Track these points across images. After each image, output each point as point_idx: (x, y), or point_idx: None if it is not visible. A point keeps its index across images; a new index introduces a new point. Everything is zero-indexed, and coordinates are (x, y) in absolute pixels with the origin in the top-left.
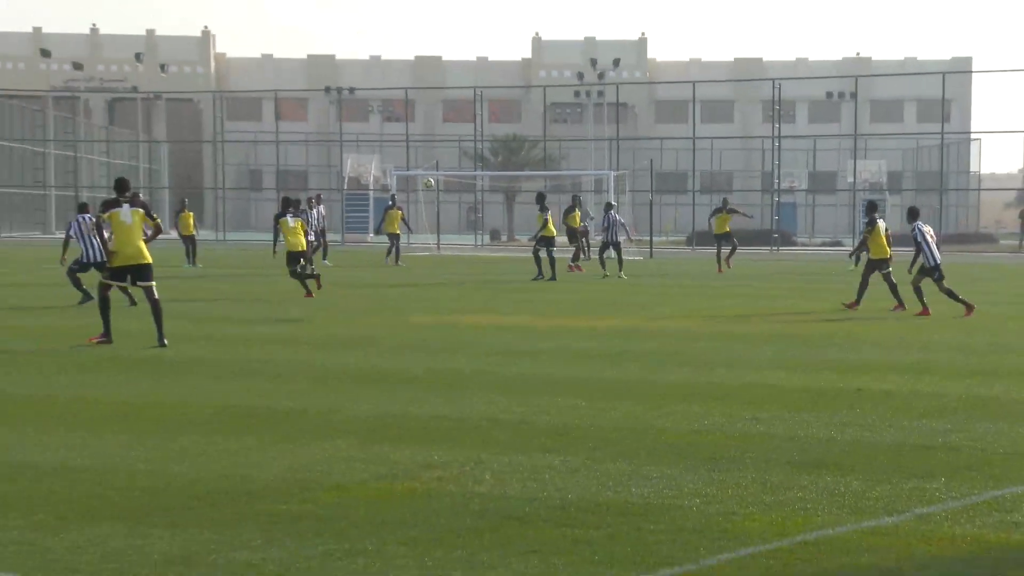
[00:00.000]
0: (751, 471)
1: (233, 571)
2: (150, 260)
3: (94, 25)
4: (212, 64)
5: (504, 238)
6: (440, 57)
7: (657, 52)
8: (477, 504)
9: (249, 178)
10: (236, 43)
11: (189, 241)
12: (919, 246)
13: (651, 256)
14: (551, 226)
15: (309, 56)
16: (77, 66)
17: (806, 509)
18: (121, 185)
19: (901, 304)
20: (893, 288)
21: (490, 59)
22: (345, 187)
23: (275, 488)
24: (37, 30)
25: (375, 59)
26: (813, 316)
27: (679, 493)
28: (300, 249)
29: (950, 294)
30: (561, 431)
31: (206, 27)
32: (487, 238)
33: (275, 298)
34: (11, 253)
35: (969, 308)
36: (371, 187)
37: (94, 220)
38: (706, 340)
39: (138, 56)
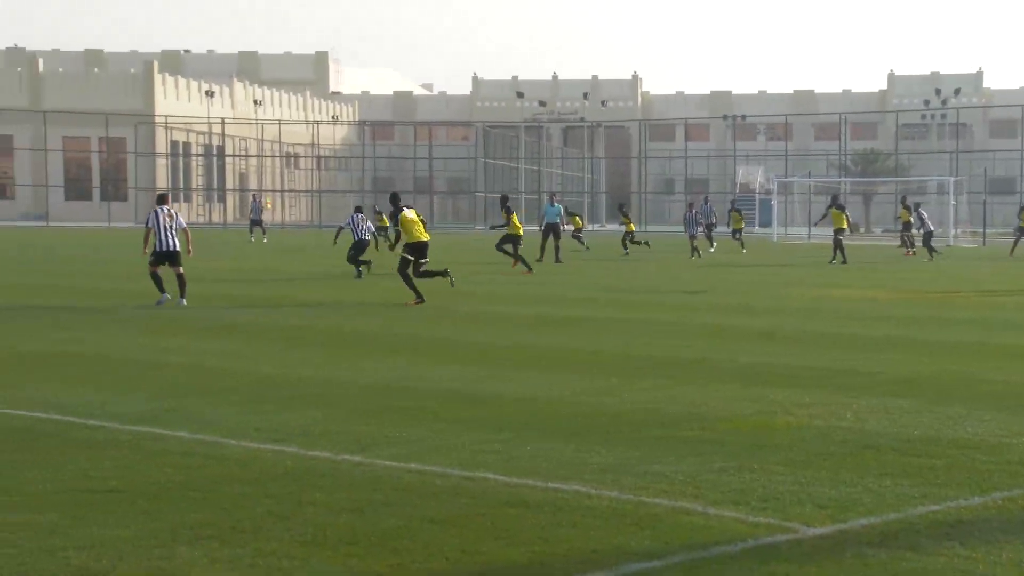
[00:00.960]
0: None
1: (652, 479)
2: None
3: (555, 74)
4: (639, 99)
5: (862, 230)
6: (813, 90)
7: (992, 81)
8: (839, 435)
9: (664, 184)
10: (657, 83)
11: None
12: None
13: (983, 244)
14: (516, 223)
15: (712, 92)
16: (542, 103)
17: None
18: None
19: None
20: None
21: (853, 91)
22: (737, 191)
23: (681, 418)
24: (514, 78)
25: (762, 92)
26: None
27: (1007, 432)
28: (425, 240)
29: None
30: (908, 381)
31: (635, 72)
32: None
33: (689, 274)
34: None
35: None
36: (756, 191)
37: (172, 212)
38: None
39: (585, 95)
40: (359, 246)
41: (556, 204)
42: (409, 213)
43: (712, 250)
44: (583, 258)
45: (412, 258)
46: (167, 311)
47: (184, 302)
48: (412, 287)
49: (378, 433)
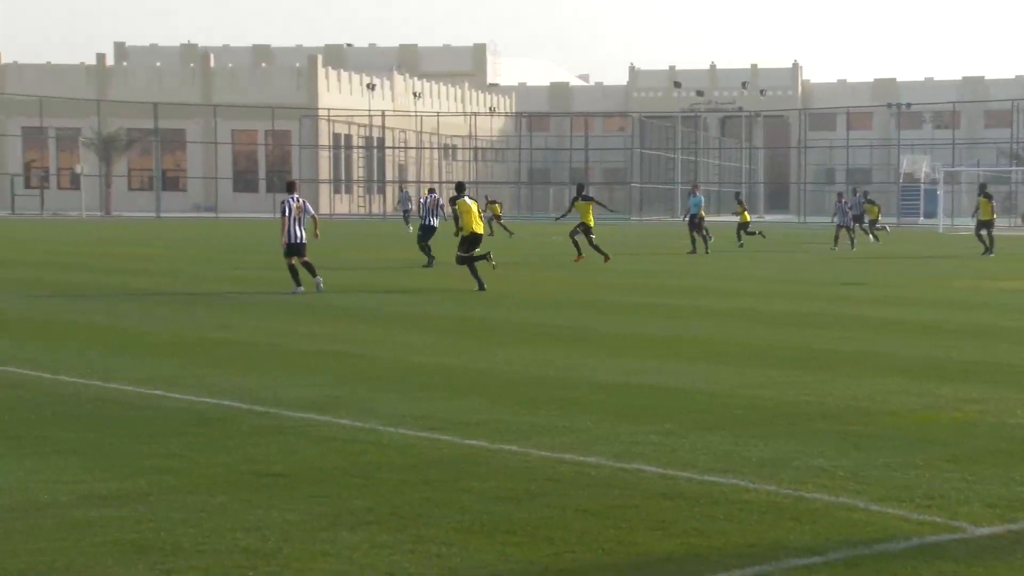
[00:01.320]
0: None
1: (812, 474)
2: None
3: (712, 63)
4: (799, 88)
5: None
6: (983, 76)
7: None
8: (1010, 432)
9: (824, 175)
10: (818, 71)
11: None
12: None
13: None
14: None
15: (875, 79)
16: (699, 93)
17: None
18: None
19: None
20: None
21: None
22: (901, 181)
23: (842, 412)
24: (671, 67)
25: (929, 79)
26: None
27: None
28: (480, 232)
29: None
30: None
31: (795, 60)
32: (1019, 220)
33: (842, 265)
34: (652, 232)
35: None
36: (921, 181)
37: (301, 201)
38: None
39: (744, 84)
40: (427, 231)
41: (698, 195)
42: (469, 203)
43: (855, 244)
44: (727, 249)
45: (464, 252)
46: (320, 298)
47: (321, 284)
48: (475, 275)
49: (534, 423)
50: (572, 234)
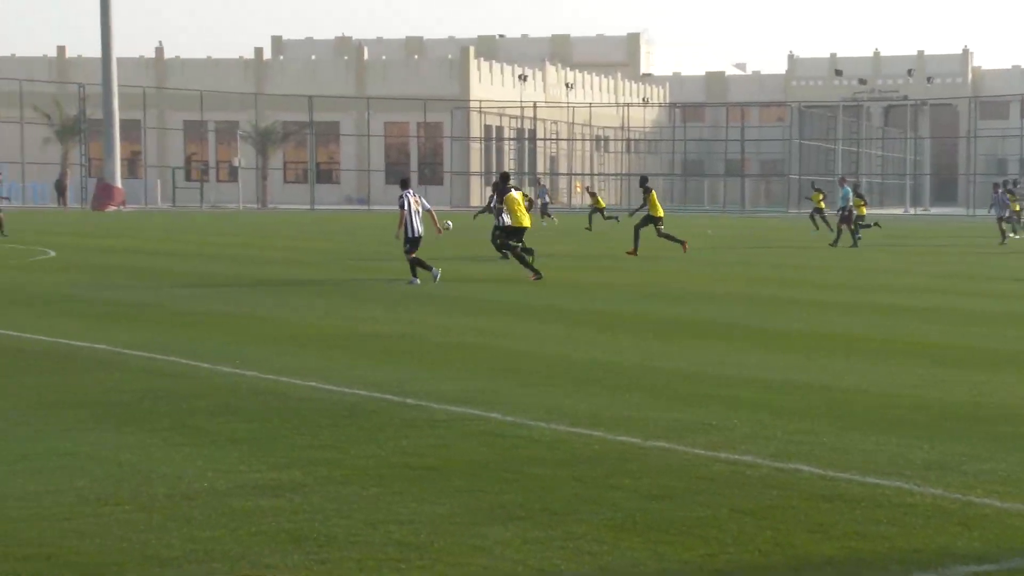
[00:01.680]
0: None
1: (982, 478)
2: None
3: (876, 50)
4: (969, 75)
5: None
6: None
7: None
8: None
9: (996, 165)
10: (990, 57)
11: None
12: None
13: None
14: (656, 204)
15: None
16: (862, 82)
17: None
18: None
19: None
20: None
21: None
22: None
23: (1013, 415)
24: (832, 55)
25: None
26: None
27: None
28: (526, 225)
29: None
30: None
31: (966, 46)
32: None
33: (1009, 260)
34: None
35: None
36: None
37: (417, 196)
38: None
39: (909, 72)
40: (509, 231)
41: (846, 187)
42: (516, 195)
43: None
44: (882, 243)
45: (513, 242)
46: (468, 291)
47: (438, 274)
48: (525, 264)
49: (689, 419)
50: (637, 227)
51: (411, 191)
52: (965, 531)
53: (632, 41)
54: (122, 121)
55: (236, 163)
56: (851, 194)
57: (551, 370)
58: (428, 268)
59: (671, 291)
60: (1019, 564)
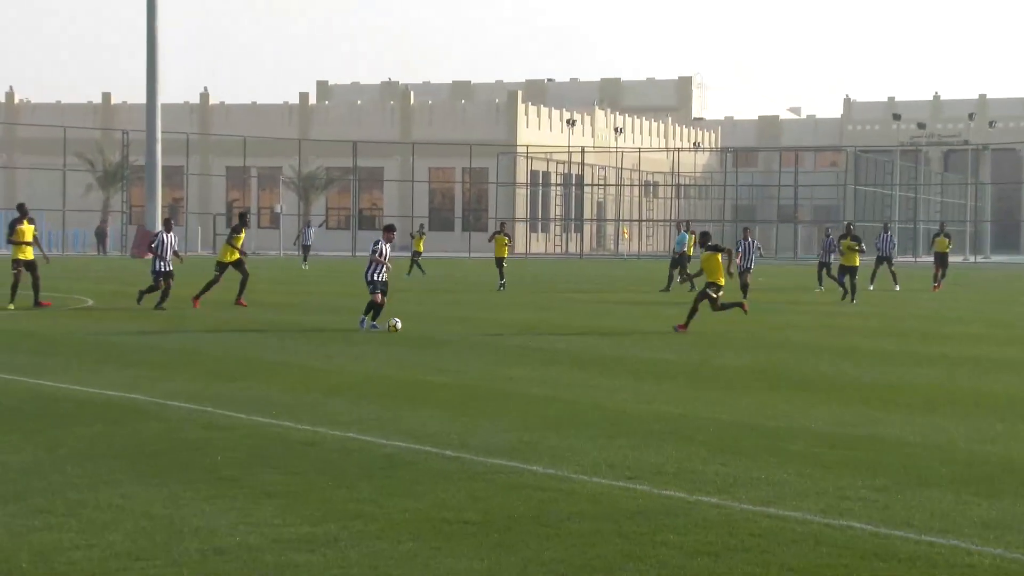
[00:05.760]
0: None
1: None
2: None
3: (936, 93)
4: None
5: None
6: None
7: None
8: None
9: None
10: None
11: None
12: None
13: None
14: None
15: None
16: (920, 126)
17: None
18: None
19: None
20: None
21: None
22: None
23: None
24: (890, 99)
25: None
26: None
27: None
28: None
29: None
30: None
31: None
32: None
33: None
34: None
35: None
36: None
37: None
38: None
39: (971, 115)
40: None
41: (683, 232)
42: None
43: None
44: (926, 288)
45: (715, 295)
46: (518, 340)
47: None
48: (691, 315)
49: (736, 474)
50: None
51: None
52: None
53: (683, 85)
54: (164, 167)
55: (278, 209)
56: (687, 239)
57: (595, 421)
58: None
59: (735, 339)
60: None
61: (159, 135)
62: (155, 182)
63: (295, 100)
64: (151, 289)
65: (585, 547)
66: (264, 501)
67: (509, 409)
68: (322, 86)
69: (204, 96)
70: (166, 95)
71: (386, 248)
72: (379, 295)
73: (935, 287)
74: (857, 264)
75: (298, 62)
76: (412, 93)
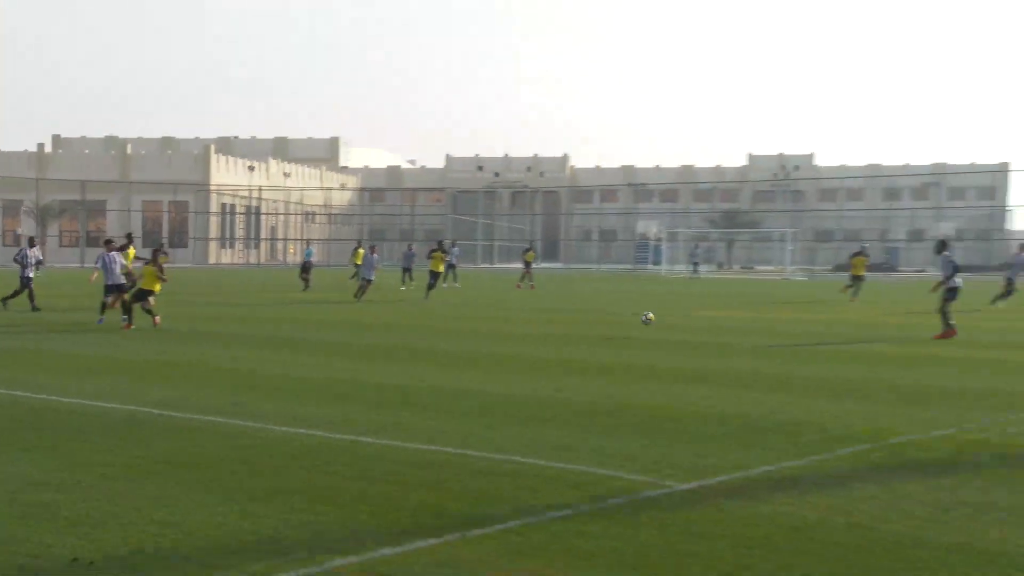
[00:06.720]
0: None
1: None
2: None
3: (506, 153)
4: (567, 171)
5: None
6: (693, 165)
7: (822, 160)
8: None
9: (583, 234)
10: (581, 159)
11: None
12: None
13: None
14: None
15: (622, 166)
16: (496, 175)
17: None
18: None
19: None
20: None
21: (722, 166)
22: (637, 239)
23: None
24: (476, 155)
25: (656, 166)
26: None
27: None
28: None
29: None
30: None
31: (565, 152)
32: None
33: None
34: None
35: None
36: (651, 239)
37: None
38: None
39: (528, 168)
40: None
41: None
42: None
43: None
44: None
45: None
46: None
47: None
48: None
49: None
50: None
51: (116, 253)
52: None
53: (333, 143)
54: None
55: (19, 231)
56: (312, 252)
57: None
58: (103, 311)
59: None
60: None
61: None
62: None
63: (33, 149)
64: None
65: (275, 479)
66: (23, 455)
67: (220, 380)
68: (56, 139)
69: None
70: None
71: (109, 257)
72: (110, 298)
73: (519, 286)
74: (442, 270)
75: (35, 117)
76: (129, 145)
